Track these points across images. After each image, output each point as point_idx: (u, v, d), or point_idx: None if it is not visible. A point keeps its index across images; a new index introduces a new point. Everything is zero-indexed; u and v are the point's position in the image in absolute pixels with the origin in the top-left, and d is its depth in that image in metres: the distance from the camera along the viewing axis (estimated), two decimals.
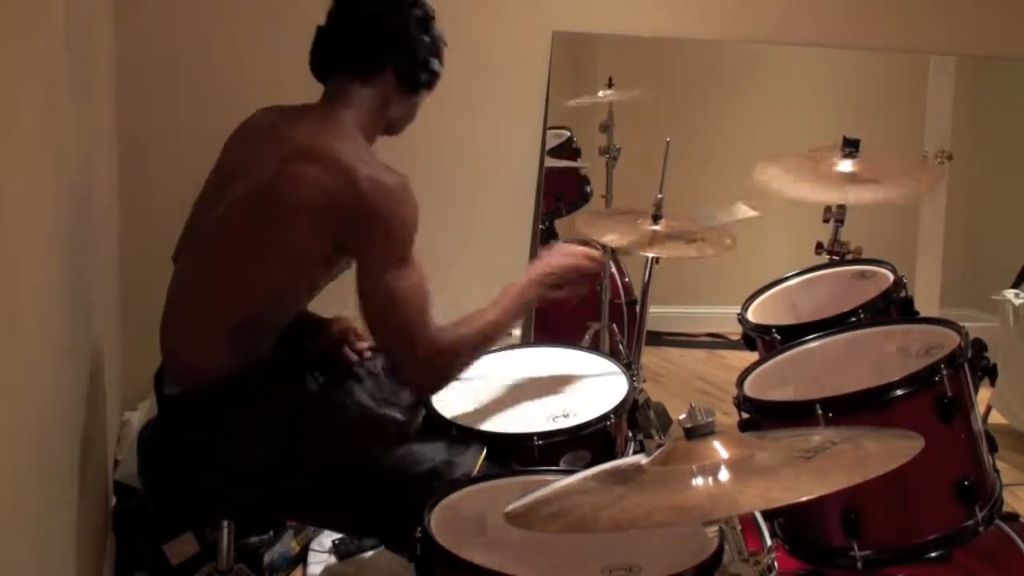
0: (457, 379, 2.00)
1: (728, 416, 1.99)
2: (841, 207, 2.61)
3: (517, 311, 2.07)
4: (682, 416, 1.35)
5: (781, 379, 2.07)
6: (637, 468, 1.37)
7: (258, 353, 1.98)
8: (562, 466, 1.91)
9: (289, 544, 2.53)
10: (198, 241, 2.00)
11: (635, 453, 2.15)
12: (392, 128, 2.06)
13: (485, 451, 1.93)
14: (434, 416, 2.06)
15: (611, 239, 2.55)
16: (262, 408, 1.94)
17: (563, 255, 2.15)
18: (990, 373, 1.92)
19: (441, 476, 1.87)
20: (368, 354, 2.20)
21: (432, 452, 1.92)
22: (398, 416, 2.01)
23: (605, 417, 2.02)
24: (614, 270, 3.46)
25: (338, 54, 2.00)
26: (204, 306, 1.97)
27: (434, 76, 2.00)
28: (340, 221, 1.87)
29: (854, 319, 2.21)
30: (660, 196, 2.45)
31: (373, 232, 1.87)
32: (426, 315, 1.91)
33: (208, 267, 1.98)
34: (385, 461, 1.90)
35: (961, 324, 1.96)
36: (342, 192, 1.86)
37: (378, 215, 1.86)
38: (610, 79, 3.43)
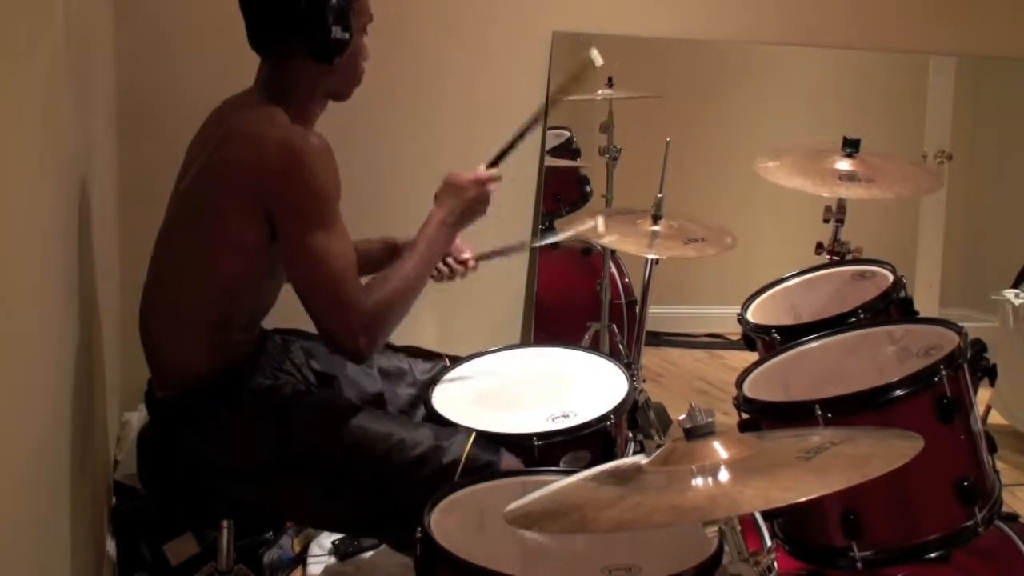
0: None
1: (728, 416, 1.99)
2: (841, 207, 2.61)
3: (432, 258, 2.07)
4: (682, 416, 1.35)
5: (781, 380, 2.07)
6: (637, 468, 1.37)
7: (239, 349, 1.99)
8: (562, 466, 1.91)
9: (289, 544, 2.53)
10: (157, 243, 2.02)
11: (635, 453, 2.15)
12: (336, 95, 2.03)
13: (474, 435, 1.93)
14: (434, 417, 2.06)
15: (611, 239, 2.55)
16: (250, 406, 1.94)
17: (461, 188, 2.12)
18: (990, 373, 1.92)
19: (430, 462, 1.88)
20: (472, 263, 2.23)
21: (420, 437, 1.92)
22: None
23: (605, 417, 2.02)
24: (614, 270, 3.47)
25: (251, 38, 1.98)
26: (172, 307, 1.98)
27: (343, 43, 1.93)
28: (260, 190, 1.86)
29: (854, 319, 2.21)
30: (660, 196, 2.45)
31: (291, 192, 1.86)
32: (355, 279, 1.91)
33: (167, 268, 2.00)
34: (375, 451, 1.90)
35: (961, 324, 1.96)
36: (255, 159, 1.86)
37: (292, 174, 1.85)
38: (610, 79, 3.42)
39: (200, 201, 1.93)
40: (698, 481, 1.27)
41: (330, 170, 1.89)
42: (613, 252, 3.44)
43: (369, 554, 2.50)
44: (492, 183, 2.14)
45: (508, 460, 1.91)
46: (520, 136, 2.23)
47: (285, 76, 1.96)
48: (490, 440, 1.94)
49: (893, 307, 2.26)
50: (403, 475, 1.88)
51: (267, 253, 1.90)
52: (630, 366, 2.31)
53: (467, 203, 2.11)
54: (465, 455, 1.88)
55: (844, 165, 2.57)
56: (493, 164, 2.19)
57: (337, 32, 1.90)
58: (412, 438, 1.91)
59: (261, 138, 1.87)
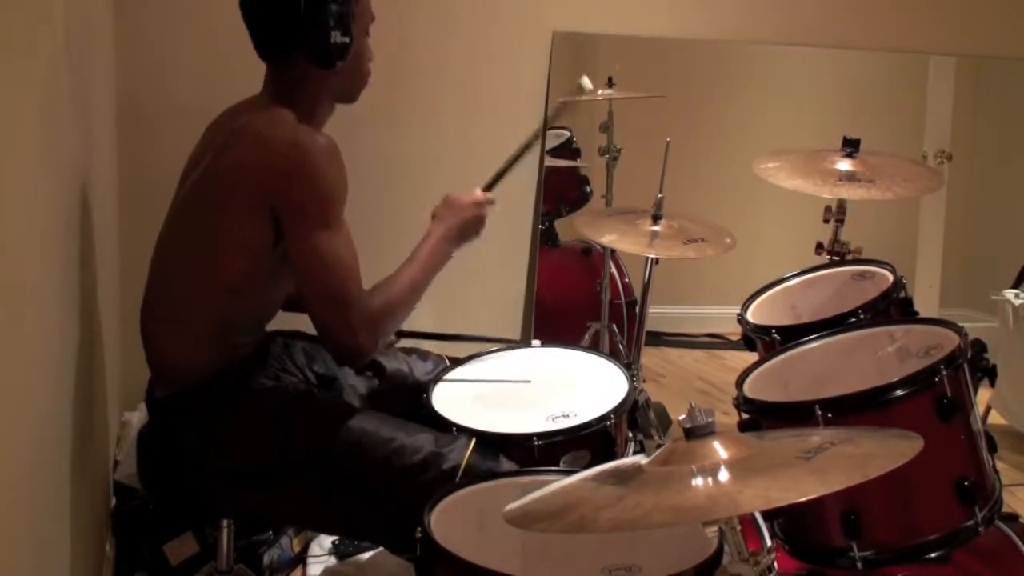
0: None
1: (728, 416, 1.99)
2: (841, 207, 2.61)
3: (433, 270, 2.08)
4: (682, 416, 1.35)
5: (781, 380, 2.07)
6: (637, 468, 1.37)
7: (242, 350, 1.98)
8: (562, 466, 1.91)
9: (289, 544, 2.53)
10: (159, 244, 2.02)
11: (635, 453, 2.15)
12: (343, 98, 2.04)
13: (474, 442, 1.93)
14: (434, 416, 2.06)
15: (611, 239, 2.55)
16: (252, 407, 1.94)
17: (460, 209, 2.14)
18: (990, 374, 1.92)
19: (430, 468, 1.88)
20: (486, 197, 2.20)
21: (421, 443, 1.92)
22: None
23: (605, 417, 2.02)
24: (614, 270, 3.47)
25: (256, 46, 1.98)
26: (175, 307, 1.98)
27: (344, 47, 1.92)
28: (267, 189, 1.86)
29: (854, 319, 2.21)
30: (660, 196, 2.45)
31: (298, 191, 1.86)
32: (358, 279, 1.91)
33: (171, 268, 2.00)
34: (375, 456, 1.90)
35: (961, 324, 1.96)
36: (262, 158, 1.86)
37: (300, 174, 1.85)
38: (610, 79, 3.42)
39: (206, 201, 1.93)
40: (698, 481, 1.27)
41: (337, 171, 1.89)
42: (613, 252, 3.44)
43: (369, 554, 2.50)
44: (488, 206, 2.18)
45: (508, 466, 1.91)
46: (515, 159, 2.28)
47: (291, 82, 1.96)
48: (489, 444, 1.94)
49: (893, 307, 2.26)
50: (403, 480, 1.88)
51: (272, 254, 1.90)
52: (630, 366, 2.31)
53: (465, 223, 2.14)
54: (465, 461, 1.89)
55: (844, 165, 2.56)
56: (489, 187, 2.23)
57: (337, 36, 1.90)
58: (412, 444, 1.91)
59: (269, 138, 1.88)
